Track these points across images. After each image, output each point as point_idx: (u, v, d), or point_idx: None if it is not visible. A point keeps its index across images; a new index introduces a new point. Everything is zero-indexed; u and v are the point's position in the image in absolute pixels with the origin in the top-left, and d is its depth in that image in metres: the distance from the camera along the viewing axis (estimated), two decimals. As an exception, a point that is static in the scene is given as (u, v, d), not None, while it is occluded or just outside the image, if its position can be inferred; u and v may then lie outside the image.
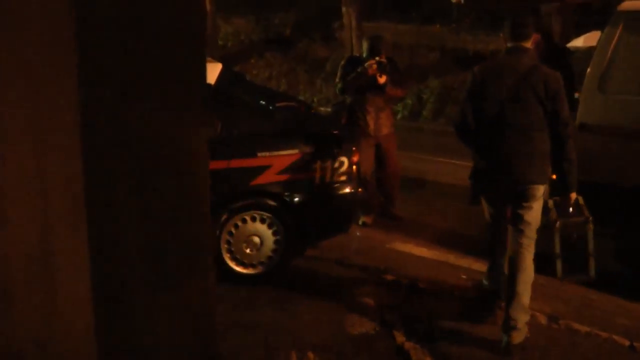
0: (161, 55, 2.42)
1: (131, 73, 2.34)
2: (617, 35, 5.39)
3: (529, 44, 4.35)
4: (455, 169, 8.90)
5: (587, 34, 10.82)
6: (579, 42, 11.14)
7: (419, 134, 14.43)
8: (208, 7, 19.78)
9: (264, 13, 22.33)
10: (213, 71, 5.28)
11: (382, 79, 6.63)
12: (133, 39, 2.31)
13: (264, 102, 5.77)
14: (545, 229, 4.45)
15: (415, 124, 16.47)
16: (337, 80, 6.96)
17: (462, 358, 4.10)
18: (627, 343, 4.42)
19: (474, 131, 4.37)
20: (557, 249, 4.44)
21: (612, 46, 5.40)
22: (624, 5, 5.51)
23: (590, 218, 4.47)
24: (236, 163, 5.04)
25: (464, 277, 5.43)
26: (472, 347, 4.23)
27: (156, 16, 2.38)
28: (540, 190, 4.27)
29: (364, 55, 6.88)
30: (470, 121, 4.34)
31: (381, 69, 6.62)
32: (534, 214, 4.29)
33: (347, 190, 5.34)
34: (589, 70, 5.51)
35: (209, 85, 5.13)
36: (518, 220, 4.30)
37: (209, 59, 6.08)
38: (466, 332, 4.44)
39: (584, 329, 4.55)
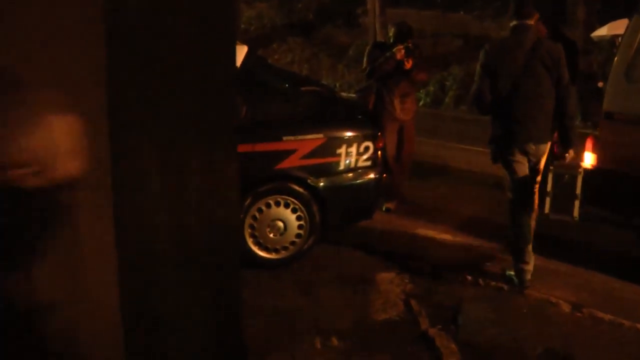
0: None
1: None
2: (645, 23, 5.34)
3: (532, 22, 4.86)
4: (476, 156, 8.88)
5: (612, 23, 10.72)
6: (603, 31, 11.04)
7: (441, 121, 14.40)
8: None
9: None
10: (238, 53, 5.29)
11: (409, 64, 6.69)
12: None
13: (288, 86, 5.78)
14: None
15: (437, 111, 16.43)
16: (364, 65, 7.02)
17: (486, 345, 4.11)
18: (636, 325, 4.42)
19: (490, 102, 4.89)
20: (549, 187, 5.09)
21: (639, 35, 5.34)
22: None
23: (582, 166, 5.23)
24: (261, 147, 5.06)
25: (488, 264, 5.43)
26: (496, 334, 4.24)
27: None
28: (548, 145, 5.00)
29: (391, 40, 6.94)
30: (486, 93, 4.88)
31: (409, 54, 6.66)
32: (541, 165, 5.03)
33: (372, 176, 5.35)
34: (615, 59, 5.46)
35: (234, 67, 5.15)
36: (533, 174, 4.99)
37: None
38: (490, 319, 4.45)
39: (607, 317, 4.54)
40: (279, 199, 5.16)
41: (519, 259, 4.94)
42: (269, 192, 5.14)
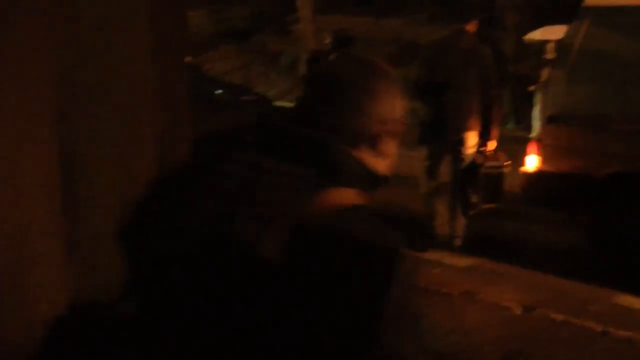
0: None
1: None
2: (584, 29, 5.48)
3: (469, 26, 5.58)
4: (409, 160, 8.89)
5: (546, 27, 11.00)
6: (536, 35, 11.32)
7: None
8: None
9: (217, 5, 22.06)
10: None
11: None
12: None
13: (231, 96, 5.70)
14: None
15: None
16: (301, 73, 7.01)
17: (449, 352, 4.10)
18: (599, 329, 4.47)
19: (426, 92, 5.57)
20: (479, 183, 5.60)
21: (578, 40, 5.48)
22: (590, 1, 5.62)
23: (505, 163, 5.62)
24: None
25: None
26: (455, 341, 4.23)
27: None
28: (473, 135, 5.52)
29: (328, 48, 6.91)
30: (424, 85, 5.58)
31: None
32: (467, 153, 5.55)
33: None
34: (556, 63, 5.58)
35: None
36: (457, 159, 5.54)
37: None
38: (447, 327, 4.45)
39: (560, 317, 4.60)
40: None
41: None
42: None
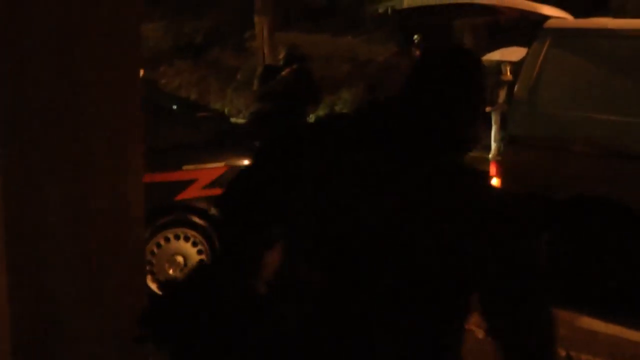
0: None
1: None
2: (544, 51, 5.41)
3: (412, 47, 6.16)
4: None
5: (504, 49, 11.04)
6: (495, 56, 11.35)
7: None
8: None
9: (175, 20, 21.81)
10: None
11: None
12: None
13: (186, 112, 5.48)
14: None
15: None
16: (254, 87, 6.91)
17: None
18: (563, 353, 4.39)
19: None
20: None
21: (539, 61, 5.42)
22: (550, 23, 5.56)
23: None
24: (160, 177, 4.72)
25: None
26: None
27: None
28: None
29: (282, 63, 6.83)
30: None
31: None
32: None
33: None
34: (517, 84, 5.51)
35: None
36: None
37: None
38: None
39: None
40: (178, 233, 4.83)
41: None
42: (168, 225, 4.80)
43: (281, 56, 7.07)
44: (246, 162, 5.00)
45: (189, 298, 1.74)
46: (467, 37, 14.49)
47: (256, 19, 17.87)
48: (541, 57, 5.40)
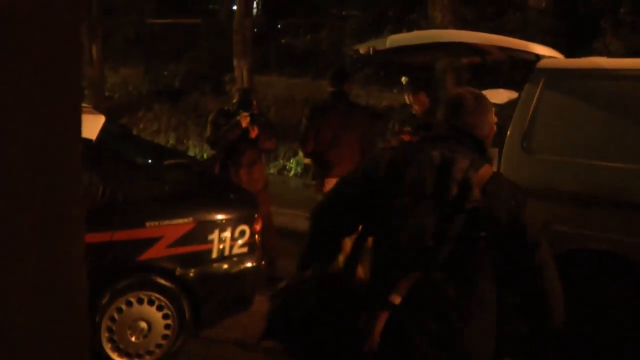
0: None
1: None
2: (538, 92, 5.05)
3: (345, 87, 6.30)
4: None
5: (488, 91, 10.70)
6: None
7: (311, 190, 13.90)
8: (95, 56, 18.86)
9: (154, 64, 21.52)
10: (94, 124, 4.53)
11: (254, 132, 6.37)
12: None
13: (153, 161, 5.05)
14: None
15: (308, 180, 15.98)
16: (207, 133, 6.56)
17: None
18: None
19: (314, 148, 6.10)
20: None
21: (533, 104, 5.05)
22: (544, 63, 5.20)
23: None
24: (120, 235, 4.27)
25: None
26: None
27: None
28: None
29: (234, 108, 6.50)
30: (310, 141, 6.07)
31: (253, 122, 6.37)
32: None
33: (249, 264, 4.68)
34: (510, 128, 5.12)
35: (89, 141, 4.39)
36: None
37: (89, 109, 5.34)
38: None
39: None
40: (142, 296, 4.36)
41: None
42: (130, 287, 4.34)
43: (234, 100, 6.72)
44: (216, 217, 4.57)
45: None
46: (449, 79, 14.27)
47: (235, 62, 17.60)
48: (535, 100, 5.04)
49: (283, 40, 20.73)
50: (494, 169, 2.60)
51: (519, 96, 5.16)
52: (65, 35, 2.09)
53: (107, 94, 20.96)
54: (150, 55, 21.71)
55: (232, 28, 17.54)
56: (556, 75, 5.10)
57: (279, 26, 21.44)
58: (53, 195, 2.10)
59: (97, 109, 18.00)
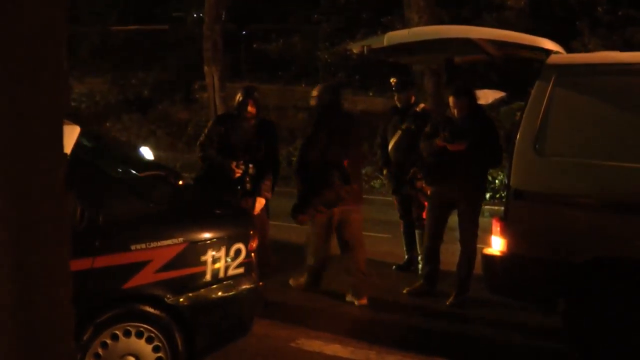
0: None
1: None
2: (549, 90, 4.70)
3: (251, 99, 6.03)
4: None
5: (478, 91, 10.38)
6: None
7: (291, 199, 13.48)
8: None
9: (121, 73, 20.95)
10: (68, 136, 4.06)
11: (249, 185, 6.02)
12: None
13: (137, 175, 4.62)
14: None
15: (287, 189, 15.55)
16: (201, 139, 6.02)
17: None
18: None
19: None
20: None
21: (544, 103, 4.69)
22: (555, 59, 4.85)
23: None
24: (102, 261, 3.81)
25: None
26: None
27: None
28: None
29: (235, 110, 6.04)
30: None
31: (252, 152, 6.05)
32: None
33: (245, 286, 4.24)
34: (520, 130, 4.76)
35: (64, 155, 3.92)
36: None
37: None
38: None
39: None
40: (129, 328, 3.89)
41: None
42: (116, 320, 3.87)
43: (237, 99, 6.17)
44: (210, 235, 4.14)
45: None
46: (427, 81, 13.96)
47: (206, 69, 17.07)
48: (546, 98, 4.68)
49: (254, 45, 20.26)
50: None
51: (530, 95, 4.79)
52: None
53: (73, 104, 20.31)
54: (117, 64, 21.15)
55: (202, 34, 17.03)
56: (568, 71, 4.76)
57: (249, 32, 20.98)
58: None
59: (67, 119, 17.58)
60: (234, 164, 5.82)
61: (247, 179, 5.88)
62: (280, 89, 19.15)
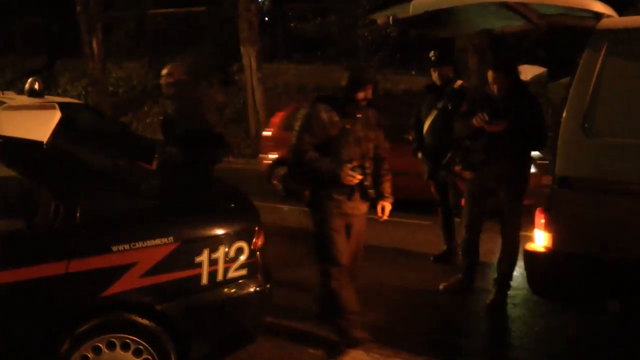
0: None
1: None
2: (601, 60, 4.06)
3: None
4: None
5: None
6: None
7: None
8: (96, 50, 17.96)
9: (158, 57, 20.69)
10: (46, 122, 3.60)
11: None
12: None
13: (125, 165, 4.13)
14: None
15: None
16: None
17: None
18: None
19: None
20: None
21: (595, 75, 4.05)
22: (606, 24, 4.19)
23: None
24: (79, 264, 3.33)
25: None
26: None
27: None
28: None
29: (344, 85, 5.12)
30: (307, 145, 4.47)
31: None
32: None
33: (250, 290, 3.73)
34: (566, 108, 4.13)
35: (38, 144, 3.47)
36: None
37: (43, 103, 4.44)
38: None
39: None
40: (113, 339, 3.42)
41: None
42: (97, 330, 3.39)
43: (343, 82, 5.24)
44: (205, 233, 3.63)
45: None
46: (470, 57, 13.30)
47: (243, 49, 16.62)
48: (597, 70, 4.05)
49: (292, 25, 19.74)
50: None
51: (578, 67, 4.14)
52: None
53: (110, 89, 20.15)
54: (154, 47, 20.92)
55: (237, 14, 16.56)
56: (623, 37, 4.09)
57: (286, 11, 20.47)
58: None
59: (101, 105, 17.21)
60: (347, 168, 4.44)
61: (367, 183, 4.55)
62: (318, 68, 18.64)
